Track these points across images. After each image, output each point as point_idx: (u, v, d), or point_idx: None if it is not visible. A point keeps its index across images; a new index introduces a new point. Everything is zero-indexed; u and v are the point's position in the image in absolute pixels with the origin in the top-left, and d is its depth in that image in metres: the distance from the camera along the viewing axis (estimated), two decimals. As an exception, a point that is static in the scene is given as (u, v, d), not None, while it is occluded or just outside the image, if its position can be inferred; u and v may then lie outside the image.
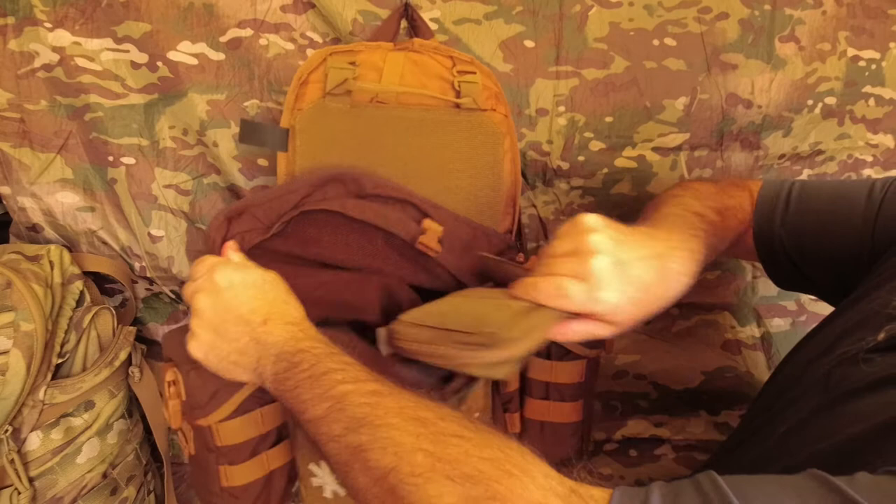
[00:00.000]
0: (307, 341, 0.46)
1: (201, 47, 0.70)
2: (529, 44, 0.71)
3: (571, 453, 0.66)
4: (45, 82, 0.71)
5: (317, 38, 0.71)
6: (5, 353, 0.59)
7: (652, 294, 0.47)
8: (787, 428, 0.45)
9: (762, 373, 0.82)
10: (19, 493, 0.61)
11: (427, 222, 0.60)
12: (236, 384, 0.52)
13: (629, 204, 0.76)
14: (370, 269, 0.61)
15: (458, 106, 0.63)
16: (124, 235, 0.77)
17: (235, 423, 0.53)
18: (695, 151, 0.75)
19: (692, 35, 0.72)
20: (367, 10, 0.69)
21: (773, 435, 0.47)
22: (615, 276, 0.45)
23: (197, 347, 0.50)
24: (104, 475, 0.69)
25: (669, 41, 0.72)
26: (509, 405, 0.63)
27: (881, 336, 0.42)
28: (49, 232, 0.76)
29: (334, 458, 0.40)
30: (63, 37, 0.69)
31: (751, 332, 0.82)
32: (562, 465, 0.81)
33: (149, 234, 0.76)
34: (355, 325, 0.58)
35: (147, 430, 0.76)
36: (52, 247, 0.68)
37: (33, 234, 0.76)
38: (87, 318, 0.67)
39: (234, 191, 0.75)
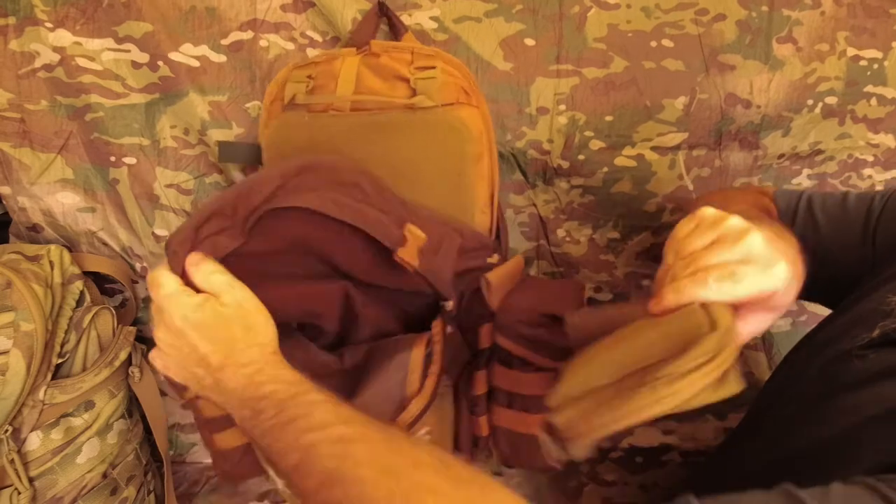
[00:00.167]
0: (269, 385, 0.43)
1: (203, 50, 0.70)
2: (530, 42, 0.71)
3: (547, 467, 0.62)
4: (46, 82, 0.71)
5: (316, 37, 0.71)
6: (5, 353, 0.59)
7: (798, 269, 0.44)
8: (785, 423, 0.46)
9: (763, 373, 0.82)
10: (19, 493, 0.61)
11: (409, 229, 0.55)
12: None
13: (629, 203, 0.76)
14: (338, 271, 0.56)
15: (411, 106, 0.61)
16: (125, 236, 0.77)
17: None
18: (693, 151, 0.75)
19: (690, 36, 0.72)
20: (367, 10, 0.69)
21: (772, 432, 0.47)
22: (774, 251, 0.41)
23: (165, 368, 0.48)
24: (104, 475, 0.68)
25: (667, 42, 0.72)
26: (476, 408, 0.62)
27: (875, 333, 0.42)
28: (49, 232, 0.76)
29: None
30: (64, 37, 0.69)
31: (751, 331, 0.82)
32: (565, 470, 0.81)
33: (153, 233, 0.76)
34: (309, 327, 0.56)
35: (147, 430, 0.76)
36: (52, 247, 0.68)
37: (33, 234, 0.76)
38: (87, 318, 0.67)
39: (234, 191, 0.75)
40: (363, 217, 0.52)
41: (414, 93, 0.61)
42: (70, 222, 0.75)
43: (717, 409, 0.84)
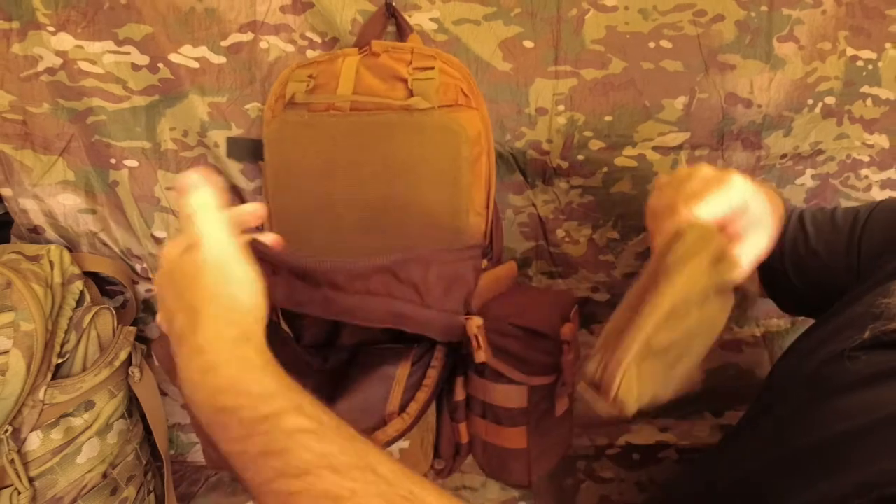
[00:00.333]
0: (229, 395, 0.35)
1: (203, 51, 0.71)
2: (528, 44, 0.71)
3: (521, 482, 0.62)
4: (49, 86, 0.71)
5: (316, 38, 0.71)
6: (5, 353, 0.59)
7: (778, 217, 0.49)
8: (778, 424, 0.46)
9: (765, 371, 0.82)
10: (19, 493, 0.61)
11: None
12: None
13: (629, 203, 0.77)
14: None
15: (408, 107, 0.60)
16: (125, 237, 0.77)
17: None
18: (696, 151, 0.75)
19: (688, 37, 0.72)
20: (367, 10, 0.69)
21: (769, 432, 0.47)
22: (733, 174, 0.46)
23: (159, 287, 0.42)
24: (104, 475, 0.68)
25: (665, 43, 0.72)
26: (455, 414, 0.61)
27: (866, 334, 0.42)
28: (50, 233, 0.76)
29: None
30: (66, 40, 0.70)
31: (750, 331, 0.82)
32: (563, 467, 0.81)
33: (152, 235, 0.77)
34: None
35: (147, 430, 0.76)
36: (52, 247, 0.68)
37: (35, 235, 0.76)
38: (87, 318, 0.67)
39: (235, 192, 0.76)
40: (363, 314, 0.52)
41: (411, 93, 0.61)
42: (71, 223, 0.76)
43: (714, 407, 0.84)
